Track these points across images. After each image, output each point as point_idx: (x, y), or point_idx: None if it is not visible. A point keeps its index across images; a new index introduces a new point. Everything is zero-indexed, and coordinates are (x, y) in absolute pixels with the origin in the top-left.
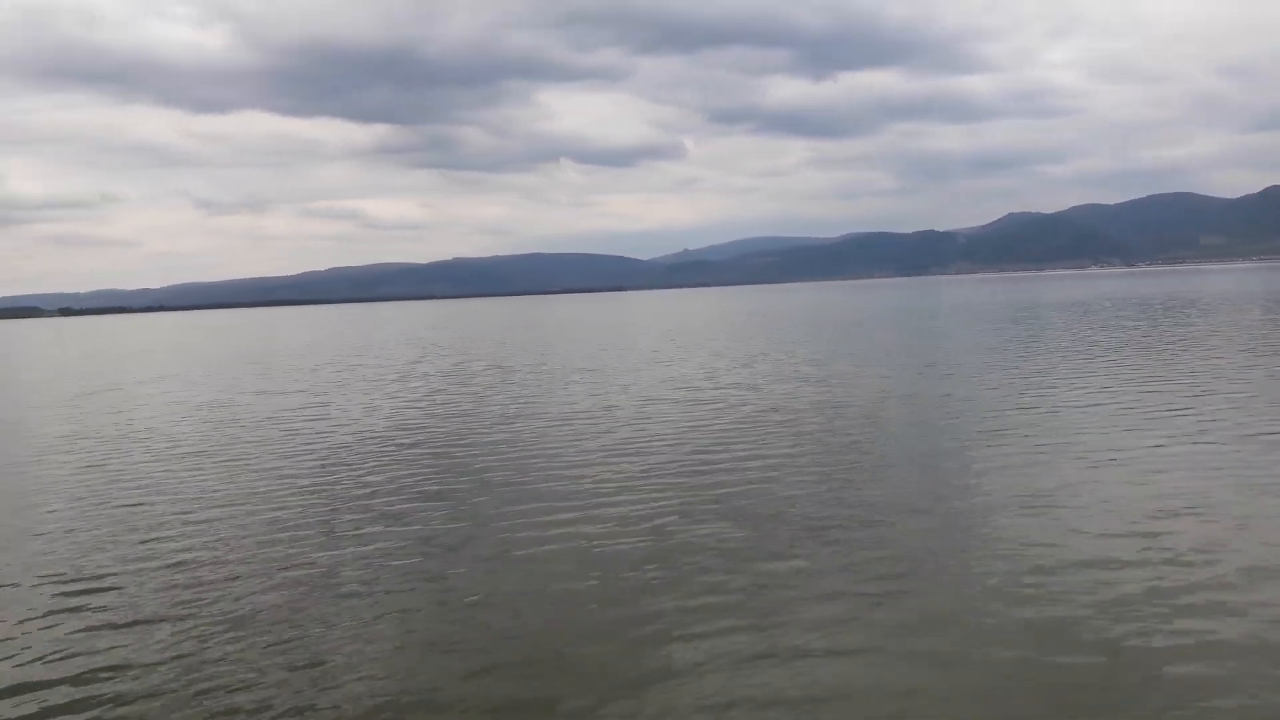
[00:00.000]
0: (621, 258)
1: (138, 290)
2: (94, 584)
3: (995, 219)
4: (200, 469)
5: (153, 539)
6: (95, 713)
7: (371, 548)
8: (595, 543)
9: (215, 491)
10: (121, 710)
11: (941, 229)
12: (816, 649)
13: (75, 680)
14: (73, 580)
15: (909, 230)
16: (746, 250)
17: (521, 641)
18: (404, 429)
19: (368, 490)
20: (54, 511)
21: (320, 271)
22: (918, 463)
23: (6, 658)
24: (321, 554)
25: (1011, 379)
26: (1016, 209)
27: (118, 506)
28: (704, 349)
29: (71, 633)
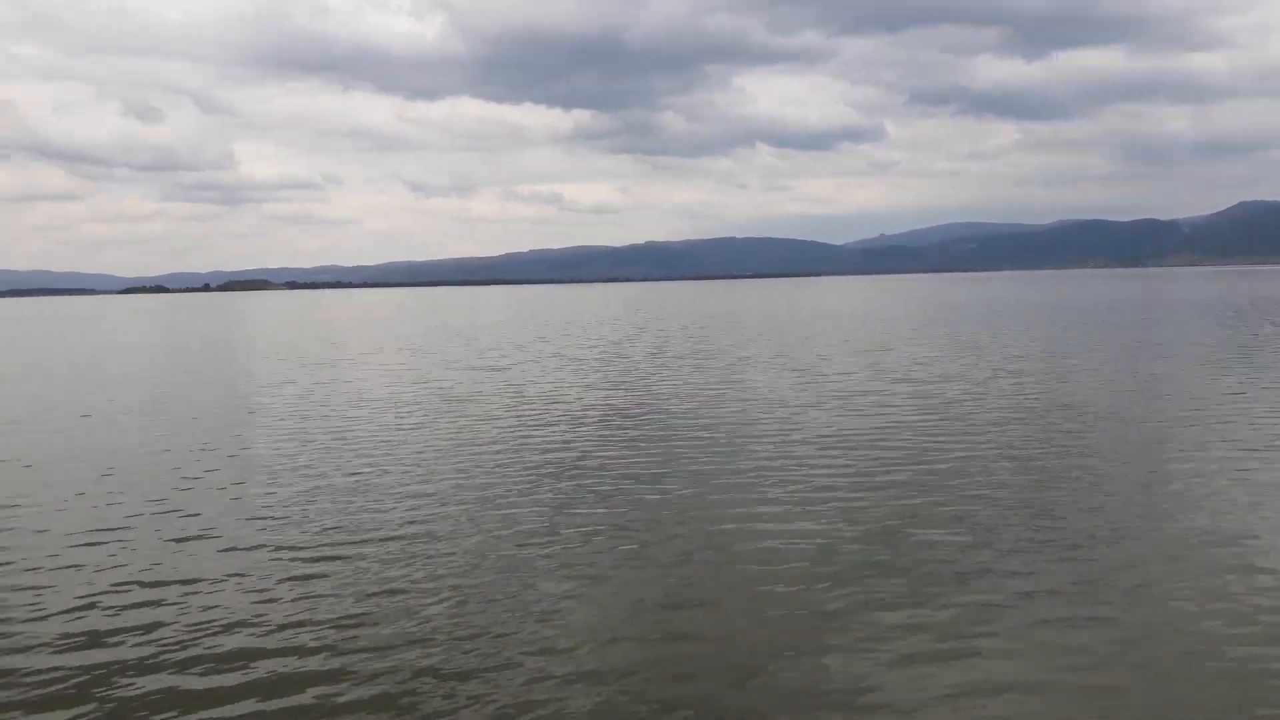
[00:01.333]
0: (814, 243)
1: (355, 267)
2: (324, 554)
3: (1225, 208)
4: (421, 443)
5: (373, 510)
6: (332, 688)
7: (578, 529)
8: (803, 540)
9: (434, 465)
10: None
11: (1163, 218)
12: (1024, 682)
13: (310, 650)
14: (301, 549)
15: (1126, 218)
16: (947, 236)
17: (725, 643)
18: (614, 410)
19: (575, 468)
20: (282, 480)
21: (521, 253)
22: (1145, 481)
23: (246, 623)
24: (531, 534)
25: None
26: (1249, 197)
27: (345, 475)
28: (912, 337)
29: (302, 598)
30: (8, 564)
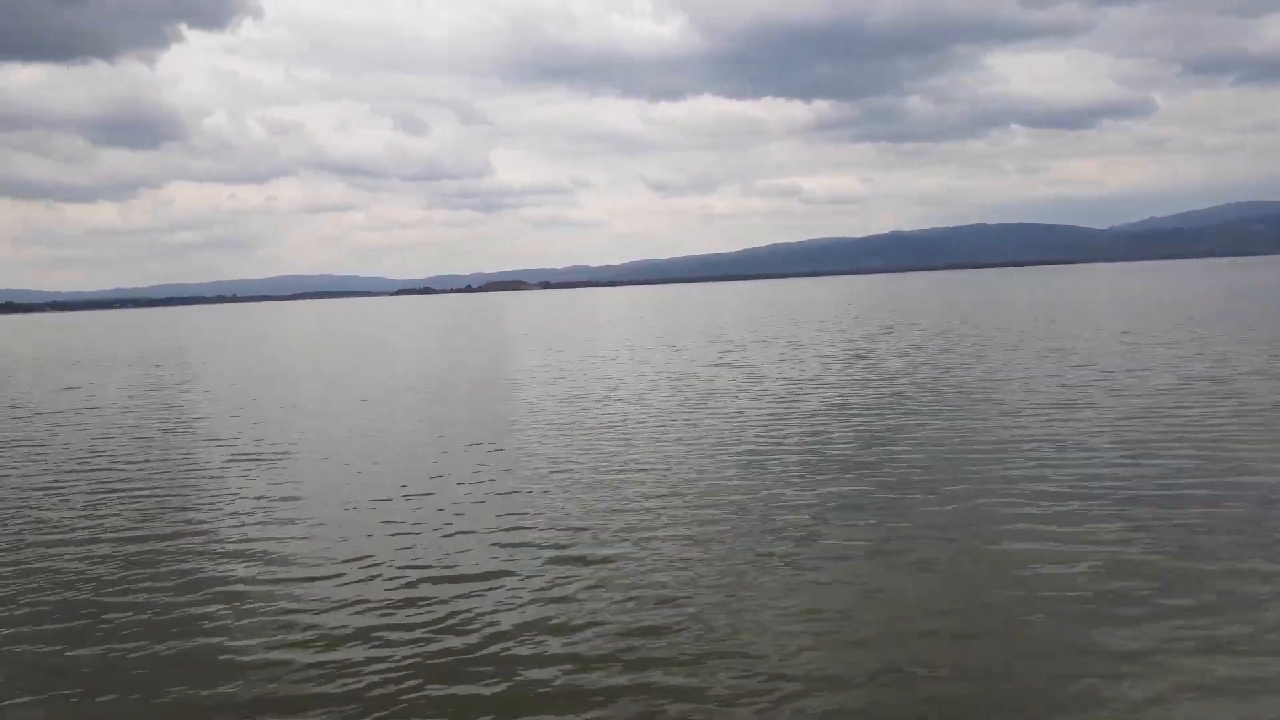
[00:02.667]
0: (1074, 227)
1: (602, 267)
2: (583, 554)
3: None
4: (679, 439)
5: (636, 508)
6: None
7: (840, 539)
8: (1088, 558)
9: (693, 463)
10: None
11: None
12: None
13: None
14: (566, 547)
15: None
16: (1230, 217)
17: (972, 661)
18: (873, 410)
19: (832, 471)
20: (544, 475)
21: (760, 247)
22: None
23: (511, 606)
24: (793, 540)
25: None
26: None
27: (607, 471)
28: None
29: (568, 599)
30: (291, 558)
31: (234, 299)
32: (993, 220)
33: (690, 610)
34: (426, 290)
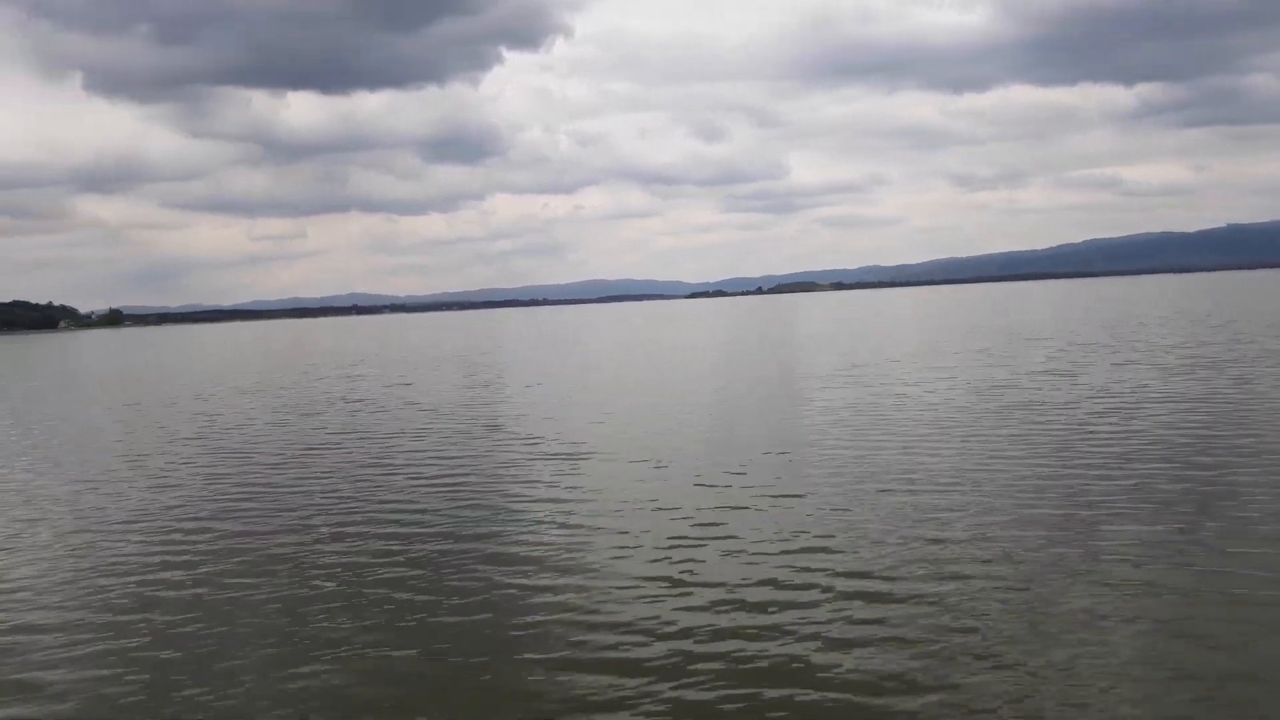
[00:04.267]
0: None
1: (898, 266)
2: (864, 578)
3: None
4: (977, 450)
5: (931, 519)
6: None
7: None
8: None
9: (993, 475)
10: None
11: None
12: None
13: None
14: (846, 571)
15: None
16: None
17: None
18: (1219, 426)
19: (1153, 491)
20: (830, 482)
21: (1075, 244)
22: None
23: (810, 622)
24: (1102, 561)
25: None
26: None
27: (909, 485)
28: None
29: (868, 620)
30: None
31: (544, 302)
32: None
33: (995, 642)
34: (718, 293)
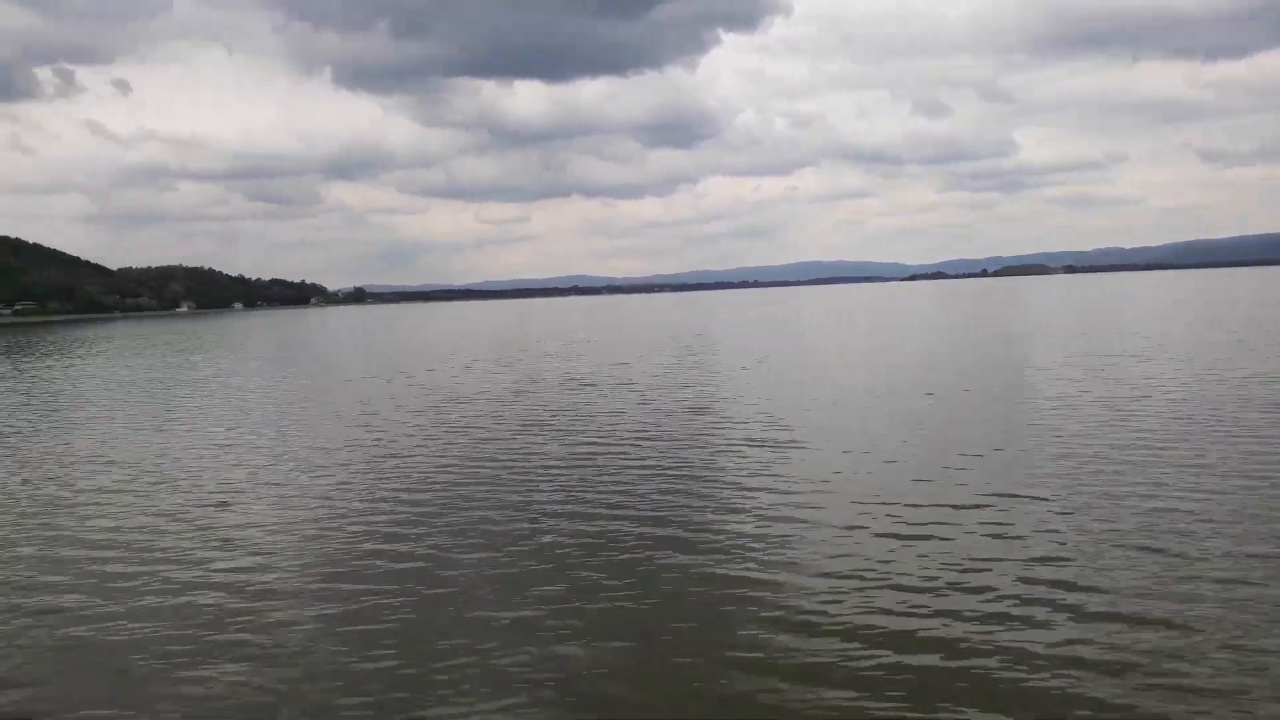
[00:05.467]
0: None
1: (1138, 248)
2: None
3: None
4: (1239, 453)
5: (1167, 525)
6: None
7: None
8: None
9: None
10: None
11: None
12: None
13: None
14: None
15: None
16: None
17: None
18: None
19: None
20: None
21: None
22: None
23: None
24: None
25: None
26: None
27: (1154, 490)
28: None
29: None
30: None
31: (756, 284)
32: None
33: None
34: (938, 275)
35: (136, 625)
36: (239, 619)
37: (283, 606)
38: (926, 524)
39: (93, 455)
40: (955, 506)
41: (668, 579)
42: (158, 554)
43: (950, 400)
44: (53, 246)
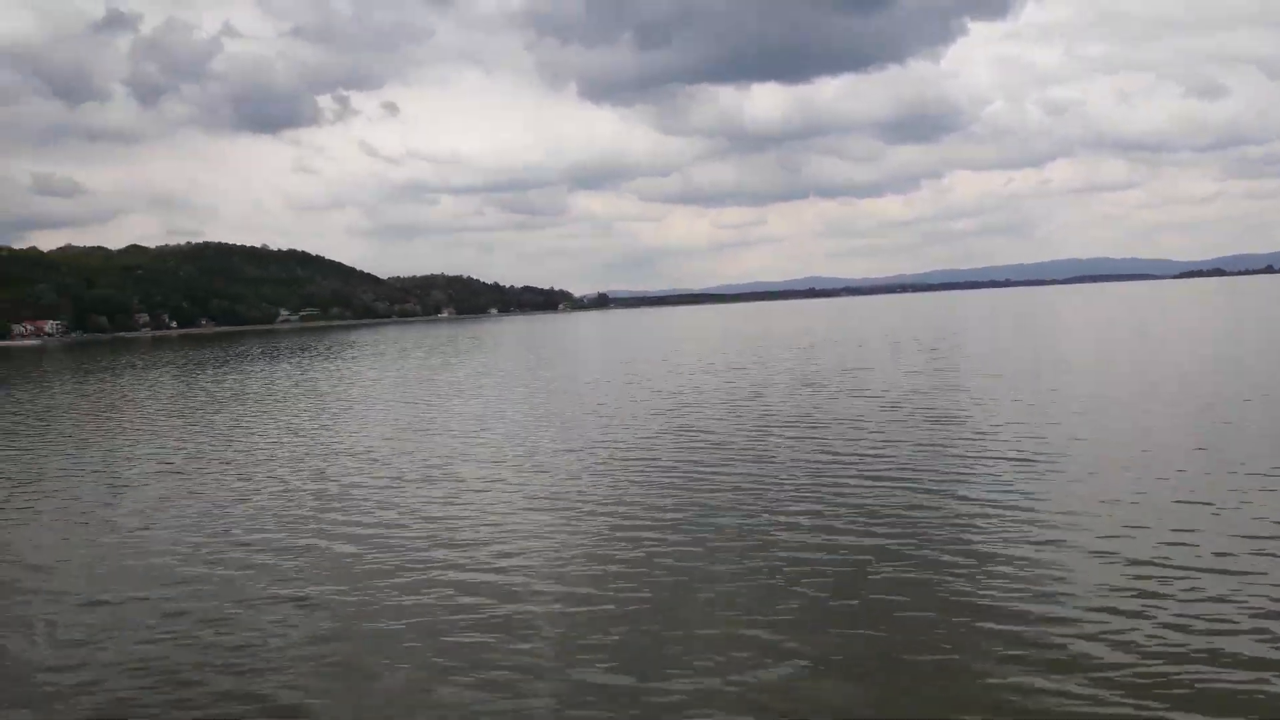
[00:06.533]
0: None
1: None
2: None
3: None
4: None
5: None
6: None
7: None
8: None
9: None
10: None
11: None
12: None
13: None
14: None
15: None
16: None
17: None
18: None
19: None
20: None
21: None
22: None
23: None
24: None
25: None
26: None
27: None
28: None
29: None
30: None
31: (1006, 283)
32: None
33: None
34: (1216, 272)
35: (383, 624)
36: (476, 616)
37: (527, 617)
38: (1187, 556)
39: (359, 450)
40: (1230, 535)
41: (915, 604)
42: (416, 550)
43: (1229, 416)
44: (332, 259)
